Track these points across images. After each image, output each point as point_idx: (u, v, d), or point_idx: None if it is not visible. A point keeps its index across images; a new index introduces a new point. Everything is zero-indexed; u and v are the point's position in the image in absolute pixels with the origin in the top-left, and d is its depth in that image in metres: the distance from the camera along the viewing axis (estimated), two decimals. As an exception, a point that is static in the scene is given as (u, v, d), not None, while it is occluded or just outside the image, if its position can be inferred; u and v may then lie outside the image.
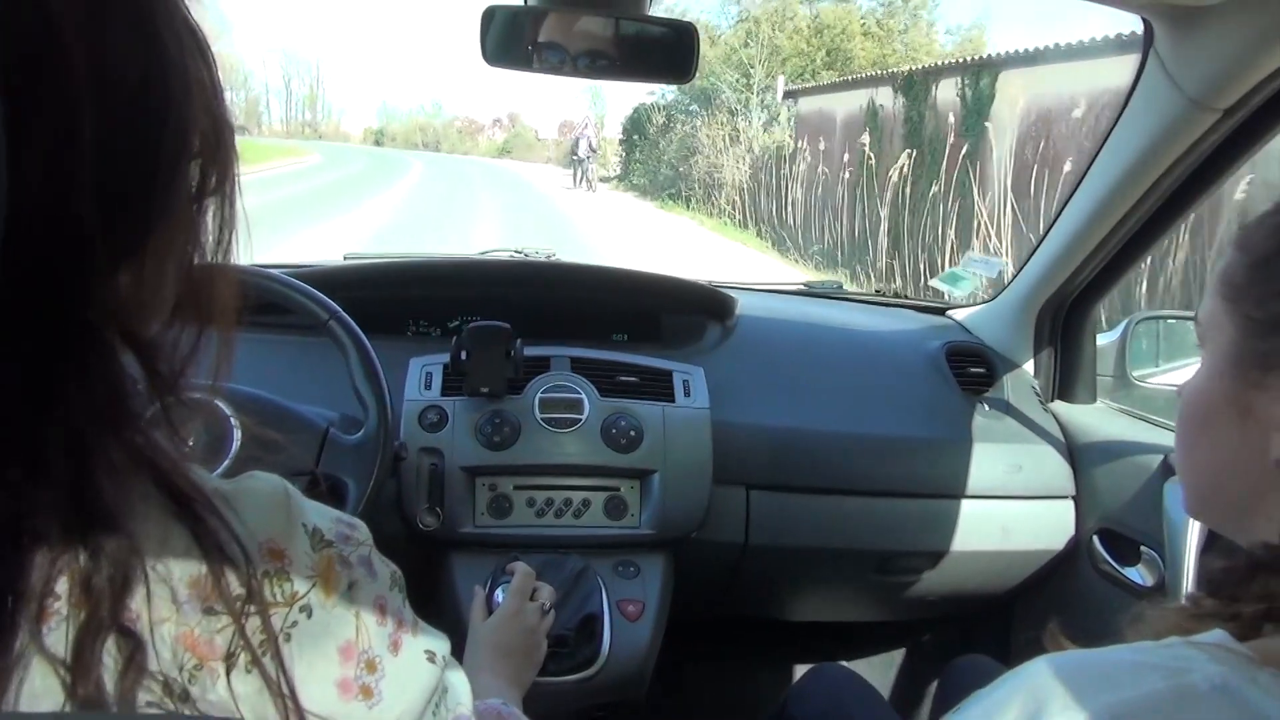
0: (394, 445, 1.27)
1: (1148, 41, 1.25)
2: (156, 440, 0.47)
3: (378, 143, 56.55)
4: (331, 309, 1.26)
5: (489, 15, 1.20)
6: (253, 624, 0.47)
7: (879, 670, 2.13)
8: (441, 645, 0.61)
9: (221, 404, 1.15)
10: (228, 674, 0.47)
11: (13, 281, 0.39)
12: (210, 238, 0.50)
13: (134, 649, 0.44)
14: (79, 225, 0.41)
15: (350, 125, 60.70)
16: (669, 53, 1.22)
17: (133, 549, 0.44)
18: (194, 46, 0.47)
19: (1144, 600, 0.60)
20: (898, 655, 2.16)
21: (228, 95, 0.53)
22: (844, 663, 2.07)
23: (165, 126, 0.45)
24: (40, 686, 0.42)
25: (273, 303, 1.26)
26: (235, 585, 0.47)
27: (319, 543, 0.52)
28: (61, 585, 0.43)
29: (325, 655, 0.51)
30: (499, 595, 1.19)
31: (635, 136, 23.70)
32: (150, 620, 0.45)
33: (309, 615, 0.50)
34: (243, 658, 0.47)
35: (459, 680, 0.66)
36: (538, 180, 26.74)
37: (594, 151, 23.12)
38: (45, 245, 0.40)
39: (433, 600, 1.41)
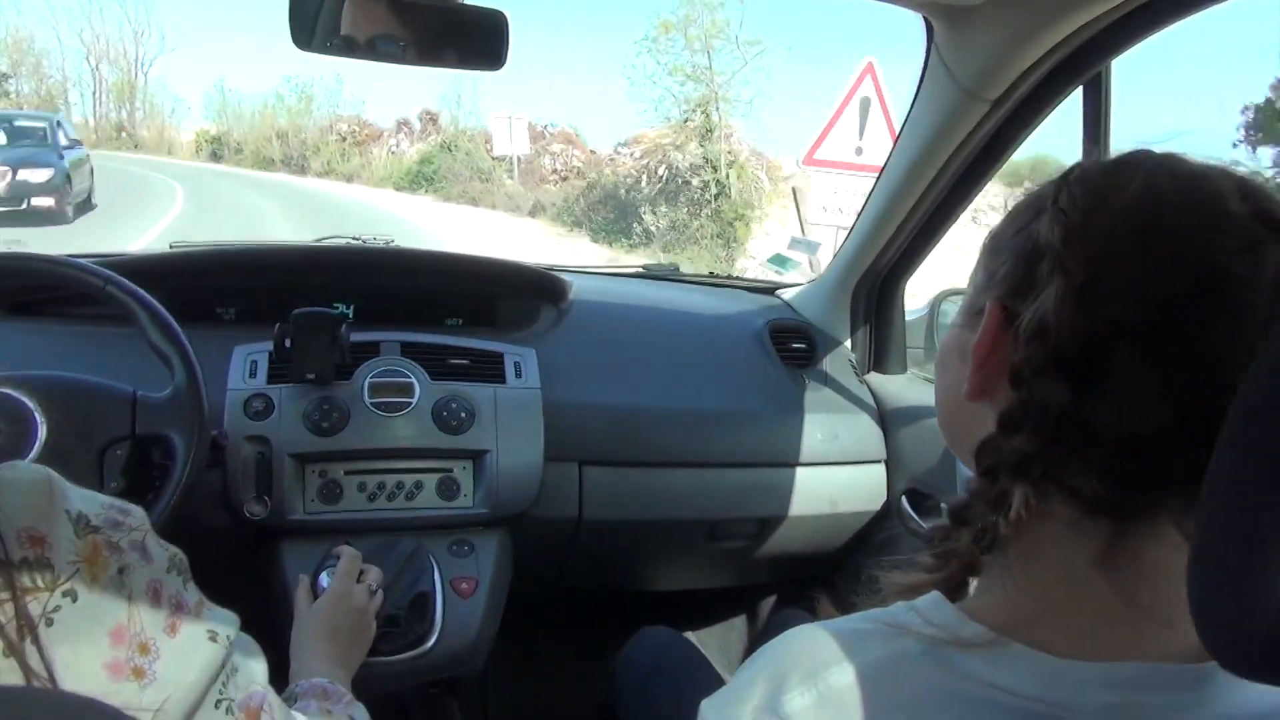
0: (210, 405, 1.24)
1: (929, 38, 1.36)
2: None
3: (215, 155, 30.67)
4: (105, 275, 1.23)
5: (299, 1, 1.19)
6: (6, 610, 0.48)
7: (722, 634, 2.23)
8: (227, 626, 0.62)
9: (17, 393, 1.12)
10: None
11: None
12: None
13: None
14: None
15: (188, 125, 35.33)
16: (482, 39, 1.25)
17: None
18: None
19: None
20: (739, 620, 2.26)
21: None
22: (690, 629, 2.17)
23: None
24: None
25: (46, 284, 1.22)
26: None
27: (84, 528, 0.54)
28: None
29: (92, 639, 0.52)
30: (324, 579, 1.20)
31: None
32: None
33: (74, 600, 0.51)
34: None
35: (254, 660, 0.68)
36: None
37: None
38: None
39: (264, 589, 1.40)
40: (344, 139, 27.02)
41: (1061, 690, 0.52)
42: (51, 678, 0.49)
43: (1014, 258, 0.59)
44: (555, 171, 19.58)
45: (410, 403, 1.48)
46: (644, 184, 15.18)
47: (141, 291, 1.23)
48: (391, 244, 2.00)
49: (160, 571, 0.58)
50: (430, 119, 25.88)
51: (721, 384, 1.78)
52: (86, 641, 0.52)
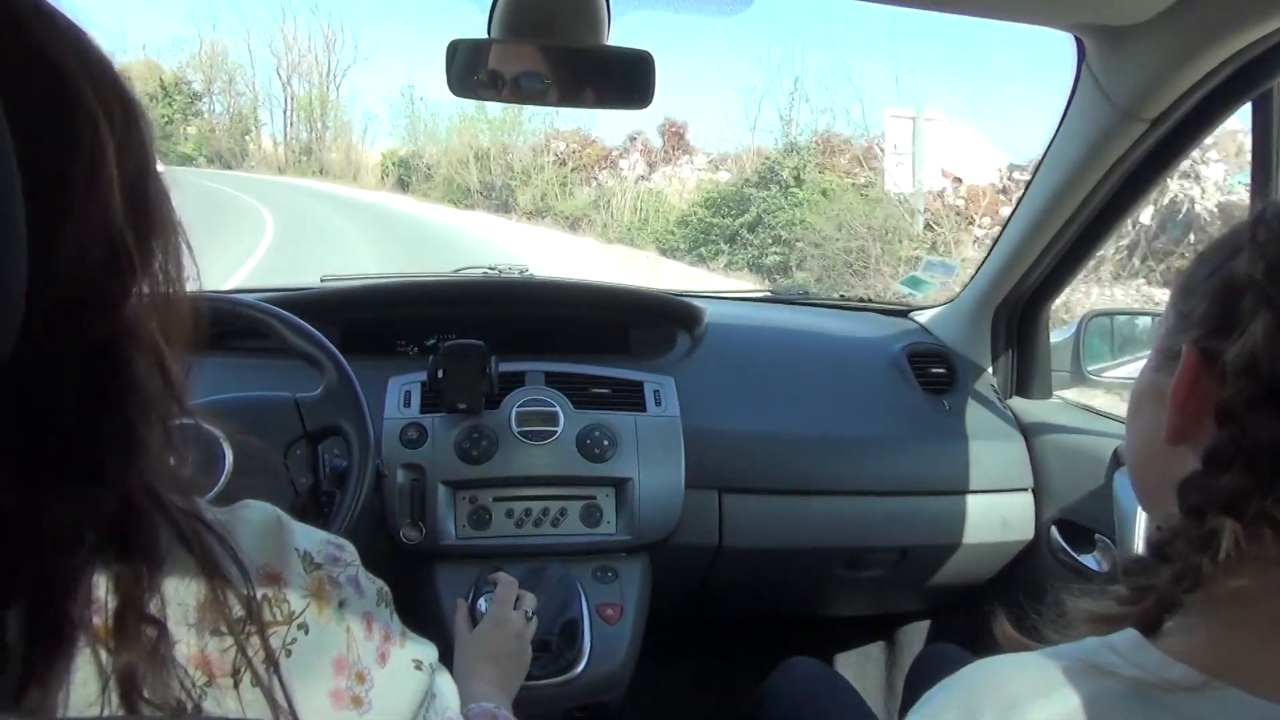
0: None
1: (1080, 57, 1.32)
2: (169, 467, 0.52)
3: (402, 183, 23.91)
4: (233, 299, 1.34)
5: (454, 49, 1.25)
6: (253, 643, 0.52)
7: (857, 663, 2.20)
8: (429, 654, 0.65)
9: (207, 423, 1.19)
10: (236, 688, 0.51)
11: (68, 306, 0.45)
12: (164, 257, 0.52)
13: (159, 634, 0.48)
14: (119, 244, 0.46)
15: (381, 145, 28.18)
16: (629, 79, 1.28)
17: (154, 550, 0.49)
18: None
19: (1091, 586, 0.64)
20: (876, 649, 2.22)
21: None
22: (824, 657, 2.14)
23: (149, 152, 0.50)
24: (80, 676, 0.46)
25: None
26: (236, 608, 0.52)
27: (310, 565, 0.57)
28: (100, 586, 0.47)
29: (320, 669, 0.55)
30: (482, 604, 1.24)
31: None
32: (169, 637, 0.49)
33: (306, 632, 0.54)
34: (247, 675, 0.51)
35: (447, 686, 0.71)
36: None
37: None
38: (92, 265, 0.45)
39: (418, 611, 1.46)
40: (563, 162, 18.72)
41: None
42: (291, 708, 0.52)
43: (1210, 298, 0.59)
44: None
45: (555, 431, 1.52)
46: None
47: (272, 306, 1.31)
48: (527, 273, 2.06)
49: (371, 604, 0.60)
50: (674, 132, 17.65)
51: (860, 410, 1.76)
52: (316, 672, 0.55)
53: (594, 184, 17.59)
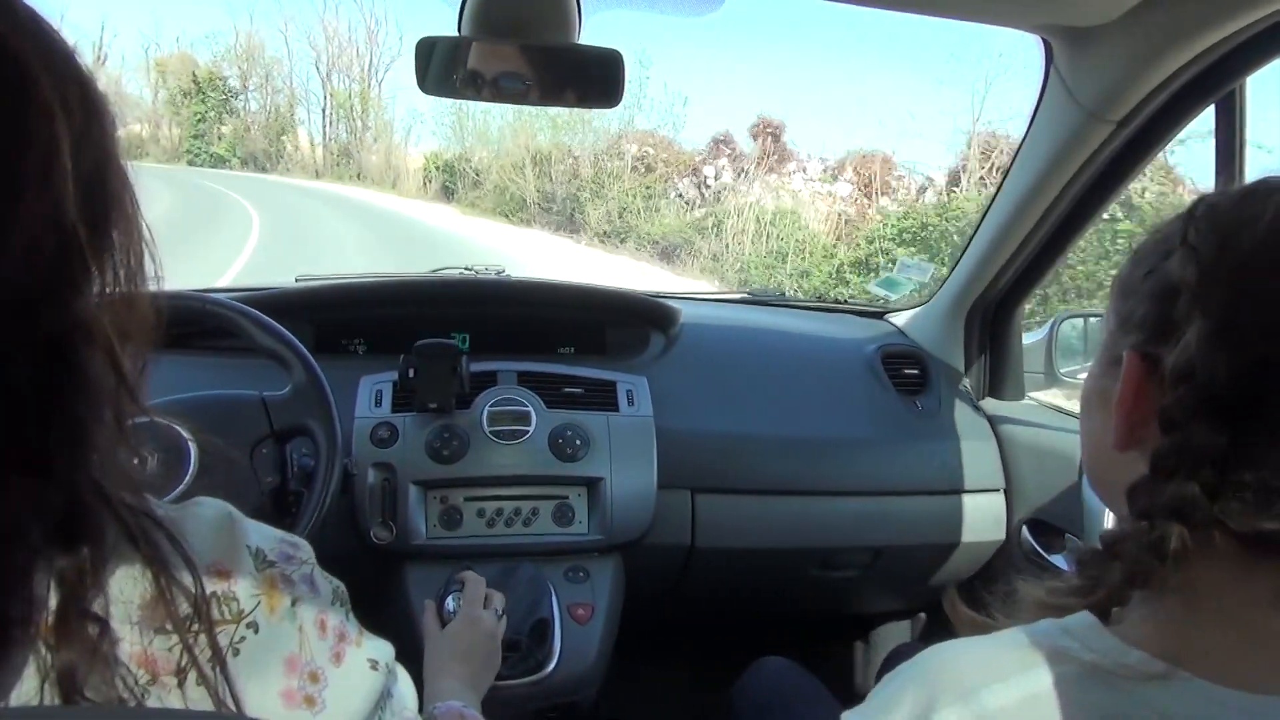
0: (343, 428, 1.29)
1: (1048, 59, 1.33)
2: (117, 462, 0.51)
3: (446, 190, 20.03)
4: (202, 297, 1.32)
5: (424, 47, 1.25)
6: (200, 642, 0.51)
7: (836, 663, 2.20)
8: (385, 653, 0.64)
9: (165, 420, 1.18)
10: (180, 686, 0.50)
11: (18, 300, 0.44)
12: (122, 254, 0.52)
13: (101, 632, 0.48)
14: (71, 239, 0.46)
15: (425, 146, 24.39)
16: (599, 78, 1.28)
17: (100, 548, 0.48)
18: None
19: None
20: (854, 648, 2.22)
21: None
22: (803, 657, 2.14)
23: (110, 147, 0.50)
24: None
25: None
26: (183, 606, 0.51)
27: (262, 563, 0.56)
28: (41, 583, 0.47)
29: (271, 668, 0.54)
30: (450, 603, 1.24)
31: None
32: (111, 635, 0.48)
33: (256, 631, 0.54)
34: (192, 673, 0.50)
35: (405, 685, 0.70)
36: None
37: None
38: (43, 260, 0.45)
39: (388, 611, 1.45)
40: (645, 168, 14.84)
41: None
42: (238, 706, 0.52)
43: (1147, 301, 0.58)
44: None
45: (527, 431, 1.52)
46: None
47: (239, 304, 1.31)
48: (504, 274, 2.06)
49: (326, 603, 0.60)
50: (769, 133, 13.93)
51: (834, 411, 1.77)
52: (266, 671, 0.54)
53: (674, 196, 13.95)
